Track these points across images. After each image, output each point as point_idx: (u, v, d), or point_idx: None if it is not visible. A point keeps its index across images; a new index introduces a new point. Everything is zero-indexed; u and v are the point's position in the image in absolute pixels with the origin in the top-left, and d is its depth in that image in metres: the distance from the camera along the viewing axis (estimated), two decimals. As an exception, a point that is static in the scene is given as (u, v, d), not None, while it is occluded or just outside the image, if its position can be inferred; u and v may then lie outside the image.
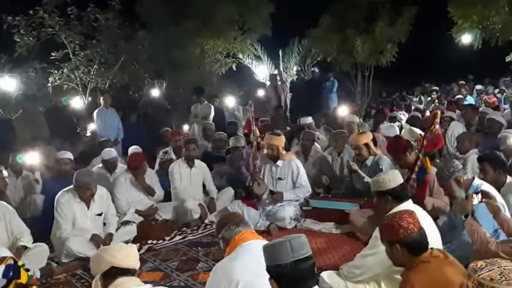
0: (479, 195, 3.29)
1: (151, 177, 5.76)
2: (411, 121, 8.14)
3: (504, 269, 1.69)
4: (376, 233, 3.06)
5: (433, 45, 15.22)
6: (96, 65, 9.56)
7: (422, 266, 2.50)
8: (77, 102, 7.64)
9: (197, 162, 5.91)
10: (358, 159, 5.48)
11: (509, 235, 3.20)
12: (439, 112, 4.64)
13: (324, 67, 12.79)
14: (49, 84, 9.05)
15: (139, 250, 4.61)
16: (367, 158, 5.36)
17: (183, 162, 5.83)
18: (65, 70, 9.31)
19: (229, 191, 6.06)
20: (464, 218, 3.26)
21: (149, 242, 5.03)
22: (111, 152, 5.94)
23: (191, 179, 5.82)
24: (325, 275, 3.47)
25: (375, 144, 5.56)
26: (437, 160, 5.01)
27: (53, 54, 9.32)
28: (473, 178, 3.88)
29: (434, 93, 12.80)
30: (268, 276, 2.12)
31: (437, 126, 4.50)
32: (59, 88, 8.73)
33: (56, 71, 9.29)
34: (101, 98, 7.89)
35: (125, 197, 5.48)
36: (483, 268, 1.72)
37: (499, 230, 3.45)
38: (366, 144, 5.36)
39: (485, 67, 14.11)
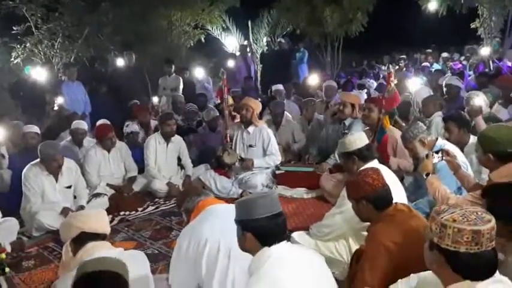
0: (440, 154, 3.41)
1: (122, 150, 5.69)
2: (379, 89, 8.26)
3: (466, 211, 1.75)
4: (343, 192, 3.15)
5: (400, 14, 15.34)
6: (60, 39, 9.26)
7: (387, 219, 2.58)
8: (40, 73, 7.41)
9: (174, 137, 5.79)
10: (339, 116, 5.59)
11: (469, 191, 3.33)
12: (393, 71, 4.77)
13: (294, 38, 12.76)
14: (12, 59, 8.76)
15: (111, 221, 4.63)
16: (347, 118, 5.47)
17: (160, 137, 5.69)
18: (28, 44, 9.01)
19: (205, 167, 6.01)
20: (425, 177, 3.38)
21: (121, 213, 5.01)
22: (79, 123, 5.86)
23: (167, 155, 5.73)
24: (296, 235, 3.57)
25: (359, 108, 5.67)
26: (397, 118, 5.18)
27: (14, 28, 8.98)
28: (437, 139, 4.01)
29: (402, 61, 12.99)
30: (236, 233, 2.18)
31: (393, 85, 4.62)
32: (29, 61, 8.49)
33: (18, 46, 8.98)
34: (66, 71, 7.71)
35: (96, 171, 5.43)
36: (446, 211, 1.77)
37: (462, 188, 3.60)
38: (353, 105, 5.46)
39: (450, 35, 14.35)
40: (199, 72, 9.51)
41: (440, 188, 3.26)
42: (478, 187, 3.26)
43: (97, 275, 1.77)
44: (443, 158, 3.40)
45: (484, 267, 1.72)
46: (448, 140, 4.23)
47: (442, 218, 1.74)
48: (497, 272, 1.77)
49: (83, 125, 5.91)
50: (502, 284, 1.74)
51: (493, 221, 1.74)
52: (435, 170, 3.45)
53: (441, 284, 1.85)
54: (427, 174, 3.37)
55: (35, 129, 5.44)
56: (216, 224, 2.59)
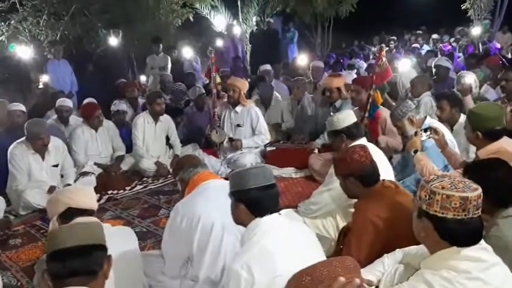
0: (428, 132, 3.43)
1: (109, 129, 5.63)
2: (368, 69, 8.26)
3: (454, 179, 1.81)
4: (331, 170, 3.16)
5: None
6: (46, 16, 9.07)
7: (374, 196, 2.60)
8: (25, 51, 7.29)
9: (162, 116, 5.69)
10: (328, 100, 5.59)
11: (456, 168, 3.36)
12: (384, 46, 4.79)
13: (284, 18, 12.66)
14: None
15: (99, 200, 4.60)
16: (337, 100, 5.48)
17: (148, 116, 5.61)
18: (12, 22, 8.81)
19: (193, 147, 5.97)
20: (413, 154, 3.41)
21: (109, 192, 4.99)
22: (63, 101, 5.79)
23: (155, 134, 5.65)
24: (284, 212, 3.58)
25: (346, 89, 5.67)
26: (386, 96, 5.20)
27: (-3, 5, 8.79)
28: (425, 117, 4.04)
29: (391, 42, 12.97)
30: (227, 209, 2.19)
31: (384, 59, 4.64)
32: (14, 38, 8.31)
33: (2, 23, 8.77)
34: (52, 49, 7.58)
35: (83, 150, 5.37)
36: (435, 180, 1.82)
37: (449, 166, 3.64)
38: (338, 88, 5.46)
39: (441, 16, 14.35)
40: (187, 52, 9.40)
41: (428, 164, 3.28)
42: (464, 165, 3.30)
43: (69, 252, 1.69)
44: (431, 136, 3.43)
45: (470, 233, 1.77)
46: (439, 117, 4.26)
47: (431, 185, 1.79)
48: (482, 240, 1.81)
49: (68, 102, 5.84)
50: (486, 252, 1.79)
51: (480, 189, 1.78)
52: (423, 147, 3.47)
53: (426, 256, 1.88)
54: (415, 152, 3.39)
55: (21, 107, 5.34)
56: (210, 201, 2.60)
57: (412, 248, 2.16)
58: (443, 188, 1.76)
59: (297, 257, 1.91)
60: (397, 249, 2.27)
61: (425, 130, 3.46)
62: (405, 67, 6.92)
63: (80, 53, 8.63)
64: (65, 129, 5.70)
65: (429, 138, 3.44)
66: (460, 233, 1.76)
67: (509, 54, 10.03)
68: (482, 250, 1.78)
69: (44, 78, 6.78)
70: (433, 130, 3.45)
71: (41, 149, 4.57)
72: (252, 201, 2.08)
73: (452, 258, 1.77)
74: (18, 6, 8.88)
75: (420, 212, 1.84)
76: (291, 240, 2.03)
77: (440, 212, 1.76)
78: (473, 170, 2.45)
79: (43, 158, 4.63)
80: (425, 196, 1.80)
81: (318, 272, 1.54)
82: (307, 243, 2.11)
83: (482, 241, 1.81)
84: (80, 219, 2.33)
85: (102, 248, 1.78)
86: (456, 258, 1.76)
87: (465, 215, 1.73)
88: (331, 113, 5.42)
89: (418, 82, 5.56)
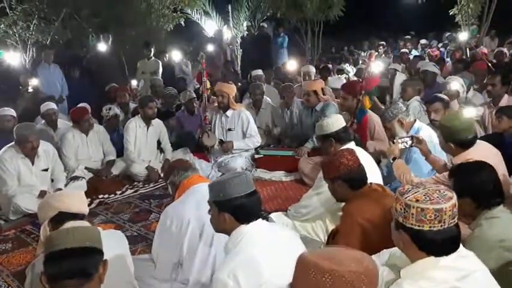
0: (410, 141, 3.51)
1: (99, 133, 5.64)
2: (357, 73, 8.34)
3: (428, 190, 1.80)
4: (321, 174, 3.20)
5: (380, 0, 15.46)
6: (36, 20, 9.06)
7: (361, 198, 2.65)
8: (14, 57, 7.28)
9: (154, 120, 5.71)
10: (308, 106, 5.67)
11: (440, 173, 3.43)
12: (374, 52, 4.85)
13: (275, 23, 12.72)
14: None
15: (90, 205, 4.58)
16: (317, 104, 5.53)
17: (140, 121, 5.60)
18: (2, 26, 8.79)
19: (184, 151, 6.00)
20: (392, 161, 3.48)
21: (100, 196, 4.98)
22: (47, 105, 5.80)
23: (147, 138, 5.66)
24: (274, 216, 3.63)
25: (324, 92, 5.74)
26: (376, 100, 5.30)
27: (-13, 9, 8.76)
28: (415, 121, 4.12)
29: (381, 47, 13.08)
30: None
31: (372, 65, 4.71)
32: (3, 43, 8.29)
33: (-8, 27, 8.76)
34: (42, 54, 7.56)
35: (74, 154, 5.37)
36: (409, 191, 1.82)
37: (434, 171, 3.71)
38: (315, 92, 5.50)
39: (429, 21, 14.52)
40: (175, 55, 9.43)
41: (406, 172, 3.38)
42: (445, 169, 3.37)
43: (66, 253, 1.71)
44: (414, 144, 3.52)
45: (447, 243, 1.78)
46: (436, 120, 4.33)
47: (405, 198, 1.79)
48: (462, 246, 1.83)
49: (51, 105, 5.85)
50: (465, 259, 1.80)
51: (455, 198, 1.79)
52: (411, 157, 3.55)
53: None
54: (394, 159, 3.47)
55: (11, 112, 5.34)
56: (200, 205, 2.61)
57: (398, 249, 2.20)
58: (417, 200, 1.76)
59: (281, 263, 1.91)
60: (384, 250, 2.30)
61: (405, 138, 3.54)
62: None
63: (70, 57, 8.60)
64: (54, 134, 5.70)
65: (412, 146, 3.53)
66: (438, 244, 1.76)
67: (495, 59, 10.16)
68: (460, 258, 1.79)
69: (34, 82, 6.77)
70: (416, 139, 3.53)
71: (31, 153, 4.56)
72: (238, 210, 2.07)
73: (430, 268, 1.77)
74: (8, 10, 8.86)
75: (397, 224, 1.85)
76: (275, 246, 2.03)
77: (416, 225, 1.76)
78: (457, 174, 2.51)
79: (33, 162, 4.62)
80: (401, 209, 1.80)
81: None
82: (292, 248, 2.08)
83: (462, 248, 1.82)
84: (71, 224, 2.35)
85: (99, 251, 1.80)
86: (434, 268, 1.77)
87: (441, 225, 1.74)
88: (312, 117, 5.50)
89: (409, 86, 5.64)
